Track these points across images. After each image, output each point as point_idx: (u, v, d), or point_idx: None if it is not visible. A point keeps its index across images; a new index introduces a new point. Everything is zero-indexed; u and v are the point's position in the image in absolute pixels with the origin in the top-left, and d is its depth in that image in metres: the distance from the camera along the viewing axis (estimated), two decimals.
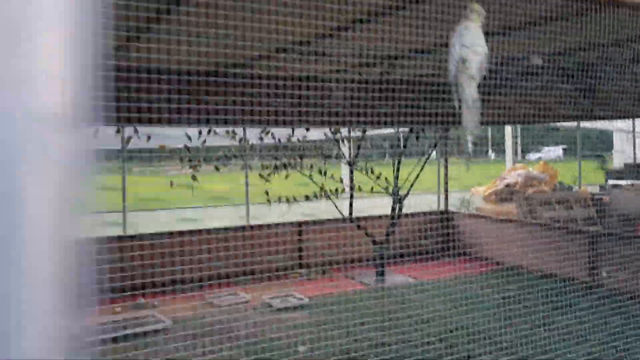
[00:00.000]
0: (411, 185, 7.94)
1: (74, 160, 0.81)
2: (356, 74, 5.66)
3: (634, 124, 11.16)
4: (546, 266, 6.60)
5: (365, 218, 8.66)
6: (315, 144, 8.43)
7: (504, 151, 14.56)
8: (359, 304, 6.19)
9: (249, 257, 7.44)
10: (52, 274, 0.78)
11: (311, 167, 7.81)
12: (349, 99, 6.05)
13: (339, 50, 4.79)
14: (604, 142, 18.62)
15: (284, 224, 8.20)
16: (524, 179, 9.54)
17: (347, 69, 5.58)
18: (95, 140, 1.21)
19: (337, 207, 7.92)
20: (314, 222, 8.45)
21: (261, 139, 7.93)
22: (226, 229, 7.91)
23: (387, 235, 7.93)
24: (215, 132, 7.53)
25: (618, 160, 13.29)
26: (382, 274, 7.81)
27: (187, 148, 7.58)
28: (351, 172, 8.13)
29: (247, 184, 8.72)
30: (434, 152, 9.43)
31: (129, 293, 6.47)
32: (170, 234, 7.55)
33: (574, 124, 11.86)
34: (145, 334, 5.53)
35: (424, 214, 9.35)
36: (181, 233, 7.61)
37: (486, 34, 4.42)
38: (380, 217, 8.67)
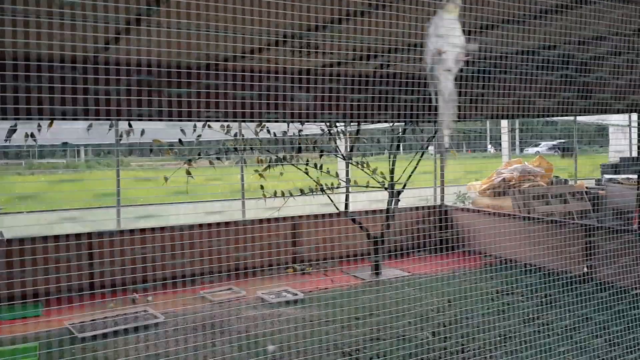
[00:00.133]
0: (407, 180, 7.93)
1: None
2: (350, 66, 5.63)
3: (630, 118, 11.17)
4: (541, 260, 6.60)
5: (360, 212, 8.65)
6: (311, 138, 8.40)
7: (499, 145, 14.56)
8: (354, 299, 6.19)
9: (243, 252, 7.45)
10: None
11: (307, 161, 7.79)
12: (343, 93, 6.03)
13: (332, 42, 4.75)
14: (602, 136, 18.60)
15: (279, 219, 8.18)
16: (520, 173, 9.52)
17: (341, 62, 5.54)
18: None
19: (332, 202, 7.91)
20: (310, 217, 8.43)
21: (256, 133, 7.90)
22: (218, 224, 7.89)
23: (383, 229, 7.92)
24: (209, 127, 7.50)
25: (614, 154, 13.29)
26: (377, 268, 7.81)
27: (182, 142, 7.55)
28: (347, 165, 8.11)
29: (242, 179, 8.69)
30: (430, 147, 9.42)
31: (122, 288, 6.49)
32: (163, 229, 7.53)
33: (571, 118, 11.84)
34: (138, 329, 5.52)
35: (420, 208, 9.33)
36: (174, 229, 7.59)
37: (470, 30, 4.41)
38: (376, 211, 8.66)
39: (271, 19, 3.00)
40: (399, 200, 8.00)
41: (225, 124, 7.68)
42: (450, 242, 8.52)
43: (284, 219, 8.16)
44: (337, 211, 7.98)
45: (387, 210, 7.99)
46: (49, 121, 6.39)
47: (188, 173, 7.47)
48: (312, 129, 8.45)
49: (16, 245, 6.44)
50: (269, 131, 7.90)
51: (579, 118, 13.24)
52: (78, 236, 6.87)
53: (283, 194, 7.77)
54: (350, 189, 8.24)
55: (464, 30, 2.32)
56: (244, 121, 7.32)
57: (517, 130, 18.24)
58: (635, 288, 4.99)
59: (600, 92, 4.69)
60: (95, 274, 6.76)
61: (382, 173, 7.88)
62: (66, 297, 5.75)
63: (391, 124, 8.30)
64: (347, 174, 8.21)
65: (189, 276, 6.79)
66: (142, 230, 7.40)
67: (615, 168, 10.69)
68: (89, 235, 6.96)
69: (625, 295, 4.66)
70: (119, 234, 7.23)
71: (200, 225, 7.70)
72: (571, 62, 4.28)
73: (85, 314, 5.84)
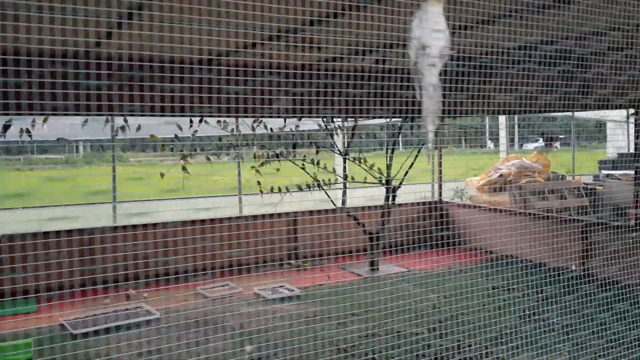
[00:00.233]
0: (404, 176, 7.90)
1: None
2: (346, 62, 5.60)
3: (628, 113, 11.12)
4: (538, 256, 6.58)
5: (357, 208, 8.64)
6: (308, 133, 8.37)
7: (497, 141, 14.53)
8: (351, 295, 6.17)
9: (240, 249, 7.41)
10: None
11: (304, 157, 7.76)
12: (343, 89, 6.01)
13: (328, 37, 4.72)
14: (600, 132, 18.58)
15: (276, 215, 8.16)
16: (518, 169, 9.50)
17: (336, 57, 5.51)
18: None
19: (330, 198, 7.88)
20: (307, 213, 8.41)
21: (253, 129, 7.87)
22: (220, 220, 7.87)
23: (381, 225, 7.90)
24: (206, 122, 7.46)
25: (612, 150, 13.26)
26: (375, 264, 7.79)
27: (178, 138, 7.53)
28: (344, 162, 8.09)
29: (239, 174, 8.67)
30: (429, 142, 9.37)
31: (119, 284, 6.46)
32: (157, 224, 7.50)
33: (569, 114, 11.82)
34: (134, 326, 5.50)
35: (418, 204, 9.32)
36: (170, 225, 7.56)
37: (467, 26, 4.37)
38: (371, 207, 8.65)
39: (265, 14, 2.96)
40: (395, 196, 7.98)
41: (222, 119, 7.65)
42: (447, 237, 8.50)
43: (279, 215, 8.14)
44: (334, 207, 7.96)
45: (384, 206, 7.97)
46: (44, 117, 6.37)
47: (184, 169, 7.44)
48: (309, 124, 8.42)
49: (10, 241, 6.42)
50: (265, 127, 7.87)
51: (578, 114, 13.22)
52: (73, 232, 6.85)
53: (280, 190, 7.75)
54: (347, 185, 8.22)
55: (460, 26, 2.29)
56: (239, 116, 7.29)
57: (515, 126, 18.23)
58: (634, 285, 4.98)
59: (601, 87, 4.65)
60: (90, 271, 6.73)
61: (379, 169, 7.85)
62: (61, 294, 5.74)
63: (388, 120, 8.27)
64: (344, 170, 8.19)
65: (186, 273, 6.77)
66: (138, 227, 7.37)
67: (613, 164, 10.67)
68: (85, 231, 6.94)
69: (623, 292, 4.64)
70: (115, 230, 7.20)
71: (194, 222, 7.68)
72: (571, 58, 4.24)
73: (79, 308, 5.83)
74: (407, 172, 7.86)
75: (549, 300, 5.27)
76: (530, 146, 23.03)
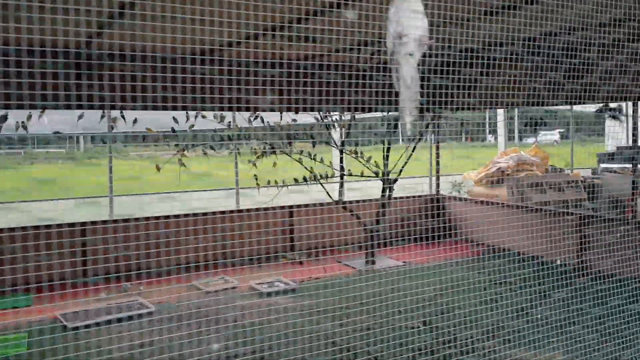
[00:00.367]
0: (401, 169, 7.89)
1: None
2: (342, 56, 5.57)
3: (627, 107, 11.09)
4: (536, 249, 6.57)
5: (352, 201, 8.63)
6: (304, 127, 8.34)
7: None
8: (347, 288, 6.16)
9: (237, 242, 7.41)
10: None
11: (301, 152, 7.74)
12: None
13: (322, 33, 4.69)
14: (600, 125, 18.52)
15: (273, 208, 8.16)
16: (516, 162, 9.48)
17: (331, 52, 5.48)
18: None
19: (326, 191, 7.87)
20: (304, 206, 8.41)
21: (250, 122, 7.85)
22: (214, 213, 7.87)
23: (378, 219, 7.90)
24: (203, 116, 7.44)
25: (611, 143, 13.23)
26: (372, 257, 7.79)
27: (174, 131, 7.50)
28: (341, 155, 8.07)
29: (236, 167, 8.66)
30: (428, 136, 9.38)
31: (115, 277, 6.46)
32: (158, 218, 7.50)
33: (569, 107, 11.78)
34: (129, 319, 5.51)
35: (415, 197, 9.31)
36: (169, 217, 7.56)
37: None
38: (370, 200, 8.64)
39: (260, 3, 2.94)
40: (392, 190, 7.97)
41: (219, 113, 7.63)
42: (444, 230, 8.49)
43: (274, 208, 8.14)
44: (331, 200, 7.95)
45: (381, 199, 7.96)
46: (40, 110, 6.36)
47: (181, 163, 7.43)
48: (306, 118, 8.40)
49: (6, 233, 6.42)
50: (262, 120, 7.84)
51: (577, 108, 13.17)
52: (70, 225, 6.85)
53: (277, 184, 7.73)
54: (344, 179, 8.21)
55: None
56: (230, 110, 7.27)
57: (515, 120, 18.16)
58: (632, 278, 4.97)
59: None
60: (87, 264, 6.74)
61: (375, 162, 7.84)
62: (57, 286, 5.74)
63: (386, 113, 8.24)
64: (341, 163, 8.17)
65: (182, 266, 6.78)
66: (135, 220, 7.37)
67: (612, 157, 10.63)
68: (81, 224, 6.95)
69: (620, 285, 4.63)
70: (112, 224, 7.20)
71: (187, 215, 7.68)
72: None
73: (75, 300, 5.83)
74: (404, 166, 7.84)
75: (542, 293, 5.27)
76: (530, 140, 22.99)
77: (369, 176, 7.94)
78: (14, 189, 15.56)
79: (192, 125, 7.46)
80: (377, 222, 7.89)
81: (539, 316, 5.02)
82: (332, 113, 8.01)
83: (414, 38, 2.15)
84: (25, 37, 4.27)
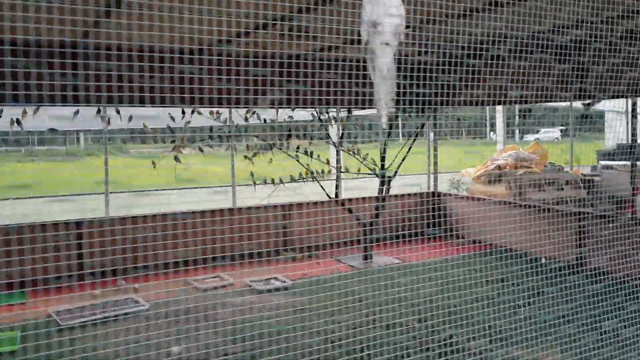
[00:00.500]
0: (398, 167, 7.84)
1: None
2: (339, 51, 5.53)
3: (627, 104, 11.01)
4: (534, 247, 6.52)
5: (351, 199, 8.59)
6: (301, 124, 8.31)
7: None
8: (343, 287, 6.13)
9: (233, 240, 7.39)
10: None
11: (297, 148, 7.70)
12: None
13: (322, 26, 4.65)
14: (602, 122, 18.43)
15: (269, 206, 8.12)
16: (514, 160, 9.42)
17: (324, 47, 5.44)
18: None
19: (323, 189, 7.84)
20: (300, 204, 8.37)
21: (246, 119, 7.81)
22: (212, 211, 7.85)
23: (375, 216, 7.86)
24: (199, 113, 7.41)
25: (611, 140, 13.15)
26: (369, 255, 7.76)
27: (170, 128, 7.48)
28: (337, 153, 8.04)
29: (232, 166, 8.62)
30: (429, 133, 9.35)
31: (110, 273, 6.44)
32: (154, 216, 7.48)
33: (570, 104, 11.69)
34: (123, 317, 5.48)
35: (412, 195, 9.26)
36: (165, 215, 7.53)
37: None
38: (367, 198, 8.60)
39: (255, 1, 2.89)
40: (389, 187, 7.93)
41: (215, 110, 7.60)
42: (441, 227, 8.45)
43: (267, 206, 8.11)
44: (328, 198, 7.92)
45: (378, 198, 7.92)
46: (35, 107, 6.33)
47: (176, 159, 7.41)
48: (303, 115, 8.37)
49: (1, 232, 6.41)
50: (258, 117, 7.81)
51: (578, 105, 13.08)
52: (65, 224, 6.83)
53: (273, 181, 7.71)
54: (342, 176, 8.17)
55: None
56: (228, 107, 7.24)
57: (516, 117, 18.08)
58: (632, 278, 4.92)
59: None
60: (81, 262, 6.72)
61: (372, 159, 7.80)
62: (51, 284, 5.72)
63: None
64: (337, 160, 8.14)
65: (177, 264, 6.75)
66: (131, 218, 7.35)
67: (612, 154, 10.57)
68: (77, 222, 6.93)
69: (619, 286, 4.59)
70: (107, 221, 7.18)
71: (184, 213, 7.66)
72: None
73: (69, 299, 5.81)
74: (401, 163, 7.80)
75: (538, 291, 5.22)
76: (530, 137, 22.90)
77: (365, 173, 7.89)
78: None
79: (188, 122, 7.43)
80: (374, 219, 7.86)
81: (529, 315, 4.98)
82: (329, 110, 7.98)
83: (390, 27, 2.07)
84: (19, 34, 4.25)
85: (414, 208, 8.84)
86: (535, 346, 4.43)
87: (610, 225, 6.10)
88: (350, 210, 7.88)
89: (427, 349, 4.59)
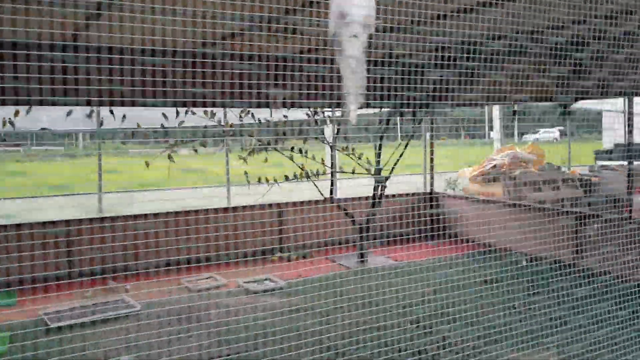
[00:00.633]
0: (393, 166, 7.79)
1: None
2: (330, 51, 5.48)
3: (624, 103, 10.94)
4: (530, 247, 6.48)
5: (347, 199, 8.54)
6: (295, 123, 8.26)
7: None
8: (337, 287, 6.07)
9: (226, 240, 7.34)
10: None
11: (292, 148, 7.65)
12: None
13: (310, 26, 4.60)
14: (600, 122, 18.35)
15: (263, 206, 8.07)
16: (511, 159, 9.37)
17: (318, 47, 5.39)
18: None
19: (318, 189, 7.78)
20: (295, 204, 8.32)
21: (241, 119, 7.76)
22: (206, 210, 7.80)
23: (370, 216, 7.81)
24: (193, 113, 7.36)
25: (608, 140, 13.10)
26: (364, 255, 7.71)
27: (164, 128, 7.42)
28: (332, 152, 7.98)
29: (227, 165, 8.58)
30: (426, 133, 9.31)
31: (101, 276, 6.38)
32: (146, 215, 7.43)
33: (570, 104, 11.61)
34: (114, 319, 5.43)
35: (408, 195, 9.21)
36: (157, 215, 7.48)
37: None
38: (361, 198, 8.55)
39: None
40: (385, 187, 7.88)
41: (209, 109, 7.55)
42: (437, 226, 8.40)
43: (270, 205, 8.05)
44: (323, 198, 7.86)
45: (374, 197, 7.87)
46: (27, 107, 6.28)
47: (170, 158, 7.35)
48: (298, 115, 8.31)
49: None
50: (253, 116, 7.76)
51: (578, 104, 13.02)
52: (55, 224, 6.78)
53: (267, 180, 7.65)
54: (336, 176, 8.12)
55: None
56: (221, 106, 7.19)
57: (516, 117, 17.97)
58: (626, 279, 4.87)
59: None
60: (72, 262, 6.67)
61: (367, 159, 7.75)
62: (41, 285, 5.67)
63: (378, 110, 8.15)
64: (332, 160, 8.09)
65: (170, 264, 6.70)
66: (120, 218, 7.30)
67: (610, 154, 10.52)
68: (67, 222, 6.88)
69: (615, 286, 4.54)
70: (99, 221, 7.13)
71: (177, 213, 7.61)
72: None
73: (60, 301, 5.75)
74: (396, 163, 7.75)
75: (534, 292, 5.18)
76: (530, 137, 22.84)
77: (360, 173, 7.84)
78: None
79: (182, 122, 7.38)
80: (369, 220, 7.80)
81: (525, 315, 4.93)
82: (324, 109, 7.92)
83: (359, 18, 1.99)
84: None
85: (409, 205, 8.79)
86: (530, 348, 4.38)
87: (606, 225, 6.05)
88: (345, 212, 7.82)
89: (421, 352, 4.55)
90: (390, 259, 7.74)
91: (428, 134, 9.25)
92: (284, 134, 7.82)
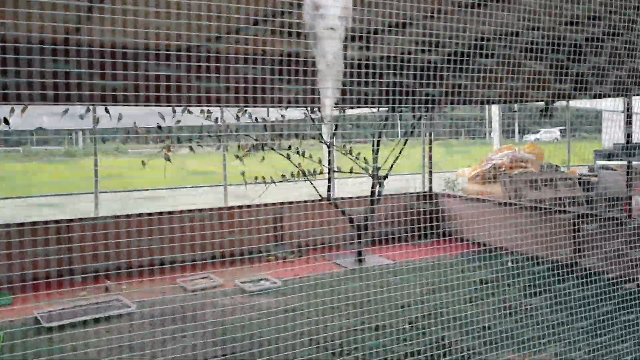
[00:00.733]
0: (391, 166, 7.75)
1: None
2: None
3: (624, 103, 10.90)
4: (529, 247, 6.43)
5: (344, 199, 8.50)
6: (293, 123, 8.23)
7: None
8: (334, 287, 6.03)
9: (223, 240, 7.30)
10: None
11: (289, 147, 7.61)
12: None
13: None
14: (600, 122, 18.30)
15: (260, 206, 8.03)
16: (510, 159, 9.33)
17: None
18: None
19: (315, 188, 7.74)
20: (292, 204, 8.28)
21: (237, 118, 7.72)
22: (201, 210, 7.77)
23: (367, 216, 7.77)
24: (189, 112, 7.32)
25: (607, 140, 13.05)
26: (361, 254, 7.67)
27: (160, 127, 7.39)
28: (329, 152, 7.95)
29: (224, 165, 8.54)
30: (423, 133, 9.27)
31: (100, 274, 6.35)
32: (141, 215, 7.40)
33: (570, 104, 11.58)
34: (108, 318, 5.39)
35: (407, 194, 9.17)
36: (151, 215, 7.45)
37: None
38: (359, 197, 8.51)
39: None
40: (383, 186, 7.84)
41: (206, 109, 7.51)
42: (436, 227, 8.36)
43: (266, 205, 8.01)
44: (320, 198, 7.83)
45: (372, 196, 7.83)
46: (22, 106, 6.25)
47: (167, 158, 7.32)
48: (295, 114, 8.28)
49: None
50: (250, 116, 7.72)
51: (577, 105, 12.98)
52: (50, 223, 6.75)
53: (264, 180, 7.61)
54: (334, 176, 8.08)
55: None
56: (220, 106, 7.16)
57: (516, 117, 17.93)
58: (625, 280, 4.83)
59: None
60: (67, 262, 6.63)
61: (365, 159, 7.71)
62: (37, 285, 5.63)
63: (376, 109, 8.12)
64: (329, 160, 8.06)
65: (166, 264, 6.66)
66: (117, 217, 7.27)
67: (609, 154, 10.47)
68: (62, 221, 6.85)
69: (614, 287, 4.50)
70: (94, 221, 7.10)
71: (171, 212, 7.58)
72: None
73: (55, 300, 5.72)
74: (393, 163, 7.71)
75: (531, 292, 5.14)
76: (530, 137, 22.78)
77: (358, 173, 7.80)
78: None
79: (179, 121, 7.35)
80: (366, 219, 7.77)
81: (524, 316, 4.89)
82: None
83: (335, 10, 1.94)
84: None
85: (407, 203, 8.76)
86: (529, 349, 4.34)
87: (605, 225, 6.01)
88: (343, 211, 7.78)
89: (418, 352, 4.50)
90: (385, 259, 7.70)
91: (427, 134, 9.21)
92: (281, 133, 7.79)
